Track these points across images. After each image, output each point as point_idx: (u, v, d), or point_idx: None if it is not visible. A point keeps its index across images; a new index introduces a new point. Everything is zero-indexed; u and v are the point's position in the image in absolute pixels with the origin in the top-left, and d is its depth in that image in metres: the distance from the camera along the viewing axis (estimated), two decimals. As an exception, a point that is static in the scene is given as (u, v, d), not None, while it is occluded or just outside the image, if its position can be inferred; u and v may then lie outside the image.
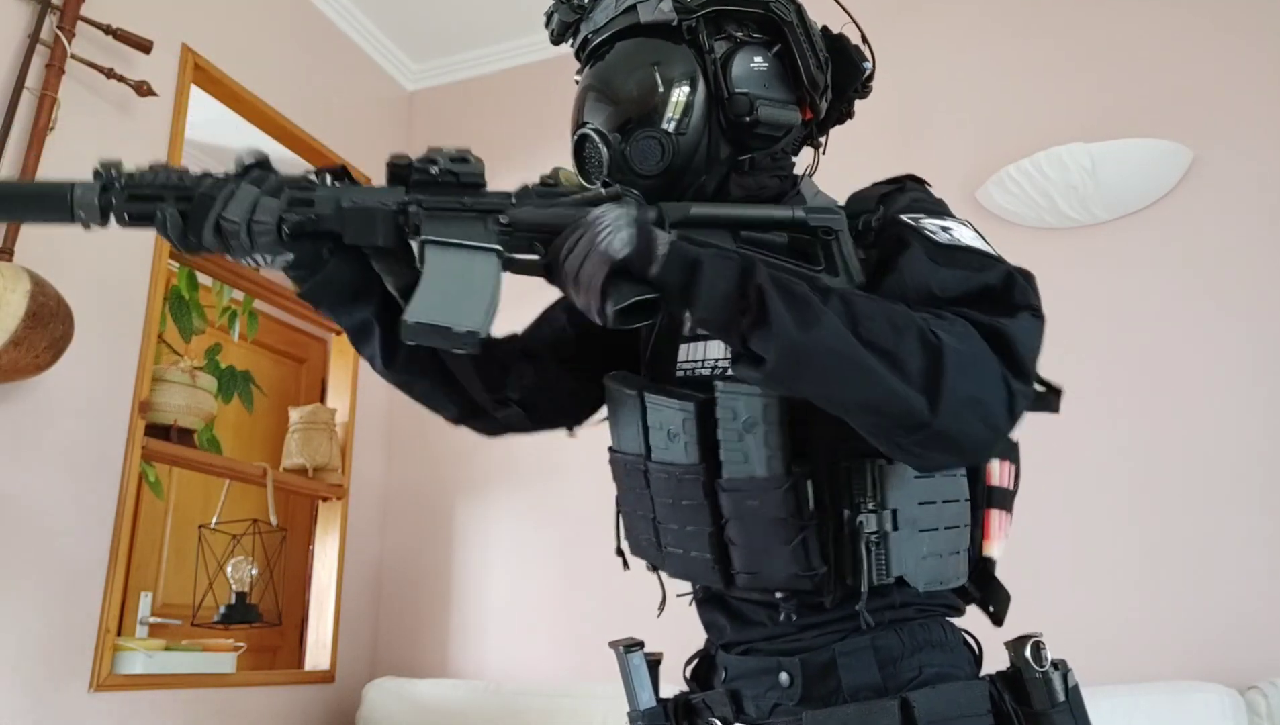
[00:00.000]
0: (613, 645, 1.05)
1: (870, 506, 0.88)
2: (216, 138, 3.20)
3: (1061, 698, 0.87)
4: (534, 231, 0.88)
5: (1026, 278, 0.86)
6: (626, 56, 1.00)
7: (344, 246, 0.88)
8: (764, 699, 0.93)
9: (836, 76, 1.05)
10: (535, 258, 0.87)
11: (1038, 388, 0.87)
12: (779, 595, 0.91)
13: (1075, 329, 2.27)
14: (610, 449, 1.06)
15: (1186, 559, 2.11)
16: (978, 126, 2.53)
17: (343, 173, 0.90)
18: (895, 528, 0.88)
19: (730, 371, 0.91)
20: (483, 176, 0.90)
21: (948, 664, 0.91)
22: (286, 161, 2.89)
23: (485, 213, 0.88)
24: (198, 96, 2.46)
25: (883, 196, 0.97)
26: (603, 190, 0.91)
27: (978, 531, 0.96)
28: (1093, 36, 2.50)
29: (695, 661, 1.06)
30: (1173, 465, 2.17)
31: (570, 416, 1.14)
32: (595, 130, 0.98)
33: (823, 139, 1.11)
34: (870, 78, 1.07)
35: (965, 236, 0.89)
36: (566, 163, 0.98)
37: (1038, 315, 0.84)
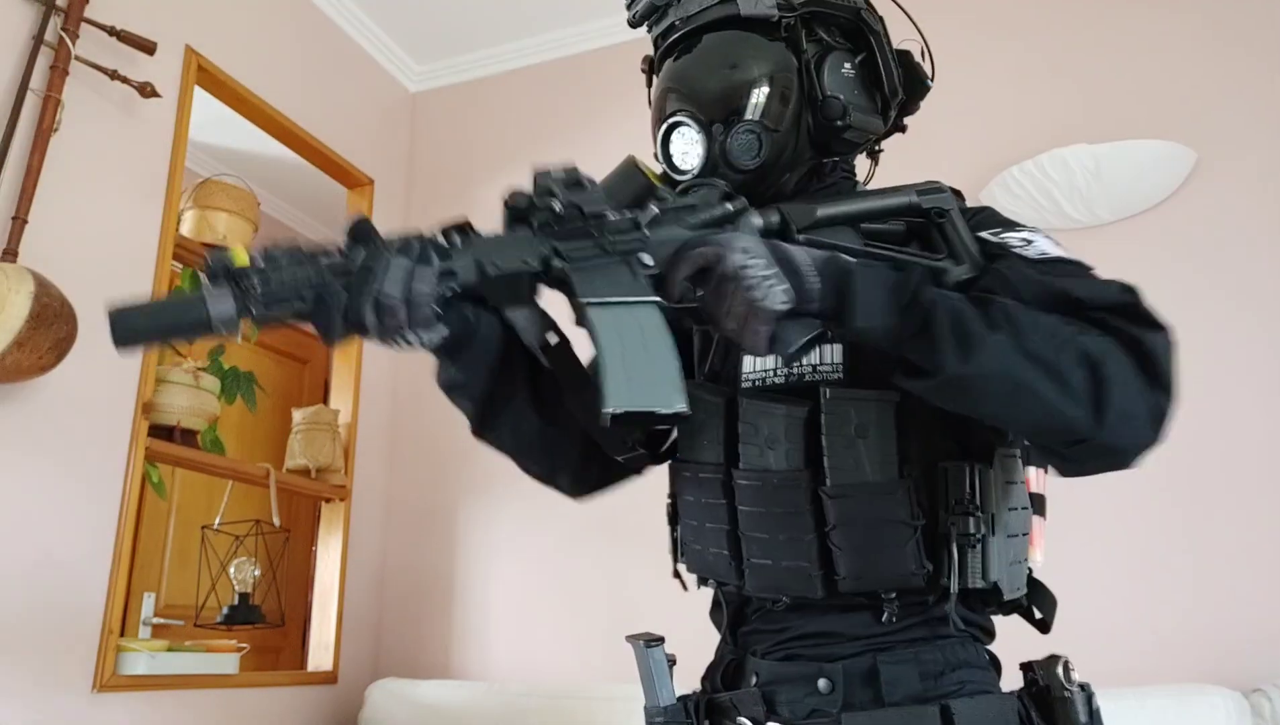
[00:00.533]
0: (631, 639, 1.02)
1: (969, 508, 0.88)
2: (220, 139, 3.21)
3: (1085, 719, 0.88)
4: (682, 283, 0.84)
5: (1140, 294, 0.87)
6: (724, 47, 1.00)
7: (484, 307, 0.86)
8: (800, 704, 0.91)
9: (904, 90, 1.06)
10: (694, 306, 0.84)
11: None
12: (885, 596, 0.90)
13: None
14: (677, 459, 1.04)
15: (1190, 562, 2.11)
16: (981, 127, 2.52)
17: (467, 227, 0.85)
18: (993, 532, 0.88)
19: (833, 376, 0.93)
20: (603, 202, 0.86)
21: (985, 682, 0.92)
22: (288, 162, 2.89)
23: (626, 254, 0.84)
24: (201, 97, 2.47)
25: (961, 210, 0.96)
26: (729, 206, 0.88)
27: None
28: (1096, 38, 2.49)
29: (722, 667, 1.03)
30: (1177, 467, 2.17)
31: (654, 448, 1.10)
32: (695, 119, 0.97)
33: (880, 148, 1.11)
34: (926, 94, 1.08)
35: (1053, 249, 0.89)
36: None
37: (1166, 330, 0.86)
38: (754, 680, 0.96)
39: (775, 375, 0.97)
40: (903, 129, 1.12)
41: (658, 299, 0.83)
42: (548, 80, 3.12)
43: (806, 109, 0.98)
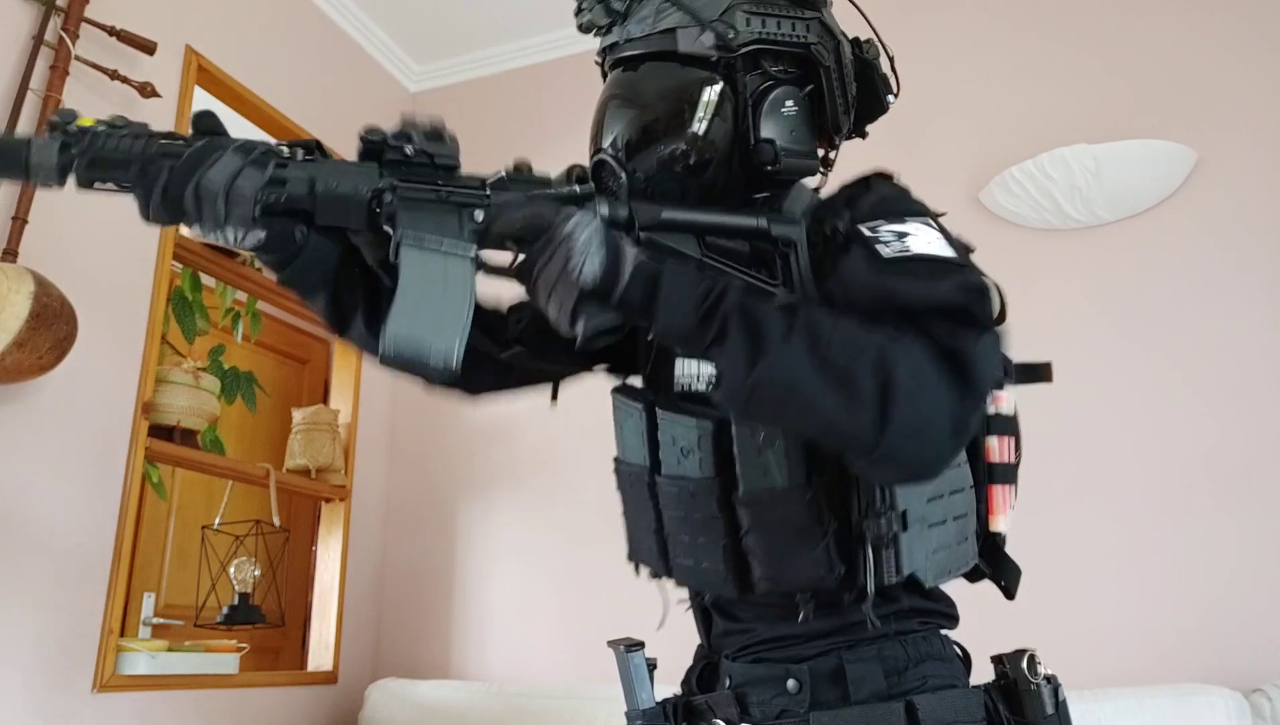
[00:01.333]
0: (612, 644, 1.04)
1: (880, 509, 0.88)
2: (220, 139, 3.21)
3: (1051, 710, 0.90)
4: (509, 235, 0.88)
5: (982, 292, 0.85)
6: (657, 81, 1.00)
7: (317, 226, 0.89)
8: (770, 704, 0.93)
9: (859, 106, 1.05)
10: (508, 264, 0.88)
11: (1029, 363, 0.95)
12: (799, 597, 0.92)
13: (1078, 330, 2.27)
14: (615, 459, 1.06)
15: (1191, 562, 2.10)
16: (981, 128, 2.52)
17: (314, 147, 0.88)
18: (905, 528, 0.89)
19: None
20: (457, 157, 0.90)
21: (949, 675, 0.93)
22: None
23: (461, 206, 0.88)
24: (201, 98, 2.46)
25: (848, 200, 0.96)
26: (577, 187, 0.92)
27: (982, 509, 0.98)
28: (1096, 37, 2.49)
29: (698, 670, 1.05)
30: (1176, 466, 2.17)
31: (563, 363, 1.13)
32: (614, 157, 0.98)
33: (833, 155, 1.11)
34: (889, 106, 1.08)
35: (919, 243, 0.87)
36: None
37: (995, 331, 0.85)
38: (727, 683, 0.98)
39: (699, 382, 0.97)
40: (863, 135, 1.11)
41: (474, 254, 0.87)
42: (547, 80, 3.12)
43: (740, 148, 0.98)
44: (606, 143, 1.00)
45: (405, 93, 3.33)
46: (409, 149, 0.88)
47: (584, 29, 1.06)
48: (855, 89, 1.04)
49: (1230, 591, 2.06)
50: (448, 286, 0.85)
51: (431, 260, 0.86)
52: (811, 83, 1.00)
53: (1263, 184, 2.25)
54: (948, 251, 0.88)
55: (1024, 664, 0.90)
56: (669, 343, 0.85)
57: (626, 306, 0.84)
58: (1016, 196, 2.36)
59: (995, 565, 1.00)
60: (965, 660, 0.98)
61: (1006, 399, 0.99)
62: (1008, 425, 0.99)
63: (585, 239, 0.82)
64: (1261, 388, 2.15)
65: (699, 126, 0.96)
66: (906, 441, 0.78)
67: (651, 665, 1.05)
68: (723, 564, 0.94)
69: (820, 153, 1.03)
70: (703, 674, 1.04)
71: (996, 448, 0.98)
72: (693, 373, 0.99)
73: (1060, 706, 0.91)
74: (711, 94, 0.96)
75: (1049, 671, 0.91)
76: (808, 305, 0.83)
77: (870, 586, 0.87)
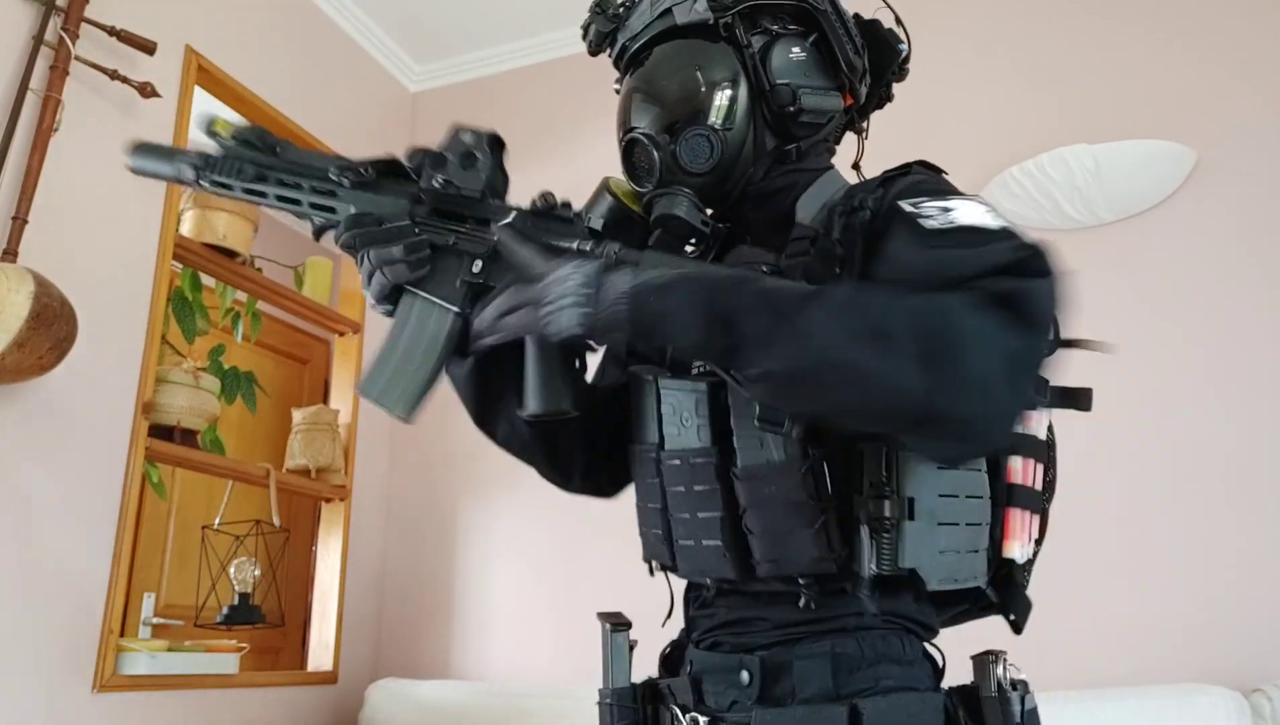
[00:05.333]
0: (602, 618, 1.04)
1: (884, 491, 0.84)
2: (220, 139, 3.20)
3: (1017, 720, 0.85)
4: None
5: (1037, 248, 0.80)
6: (667, 59, 1.02)
7: None
8: (724, 695, 0.92)
9: (873, 61, 1.07)
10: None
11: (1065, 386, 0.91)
12: (802, 581, 0.88)
13: (1077, 331, 2.27)
14: (630, 443, 1.05)
15: (1191, 562, 2.11)
16: (981, 128, 2.52)
17: (372, 170, 0.94)
18: (911, 517, 0.84)
19: None
20: (481, 186, 0.94)
21: (906, 679, 0.88)
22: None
23: (463, 253, 0.93)
24: (201, 98, 2.47)
25: (885, 179, 0.96)
26: (586, 246, 0.92)
27: (998, 530, 0.93)
28: (1097, 37, 2.49)
29: (669, 650, 1.05)
30: (1176, 467, 2.17)
31: None
32: (644, 133, 0.99)
33: (865, 124, 1.12)
34: (907, 59, 1.08)
35: (964, 215, 0.83)
36: (579, 163, 0.99)
37: (1055, 278, 0.78)
38: (689, 668, 0.97)
39: None
40: (889, 99, 1.12)
41: (456, 308, 0.92)
42: (548, 80, 3.12)
43: (759, 101, 0.99)
44: (635, 123, 1.02)
45: (405, 93, 3.33)
46: (438, 180, 0.93)
47: (594, 48, 1.09)
48: (861, 38, 1.05)
49: (1230, 591, 2.06)
50: (427, 342, 0.91)
51: (424, 310, 0.91)
52: (814, 33, 1.02)
53: (1263, 184, 2.25)
54: (996, 222, 0.83)
55: (985, 669, 0.85)
56: (695, 360, 0.86)
57: (631, 350, 0.85)
58: (1016, 196, 2.36)
59: (1004, 595, 0.95)
60: (936, 665, 0.93)
61: (1036, 419, 0.95)
62: (1035, 447, 0.95)
63: (560, 291, 0.83)
64: (1262, 387, 2.15)
65: (715, 122, 0.98)
66: (959, 395, 0.72)
67: (631, 646, 1.04)
68: (722, 542, 0.92)
69: (843, 101, 1.03)
70: (670, 657, 1.03)
71: (1020, 469, 0.94)
72: None
73: (1027, 716, 0.85)
74: (723, 99, 0.98)
75: (1019, 676, 0.86)
76: (826, 285, 0.80)
77: (864, 570, 0.83)
